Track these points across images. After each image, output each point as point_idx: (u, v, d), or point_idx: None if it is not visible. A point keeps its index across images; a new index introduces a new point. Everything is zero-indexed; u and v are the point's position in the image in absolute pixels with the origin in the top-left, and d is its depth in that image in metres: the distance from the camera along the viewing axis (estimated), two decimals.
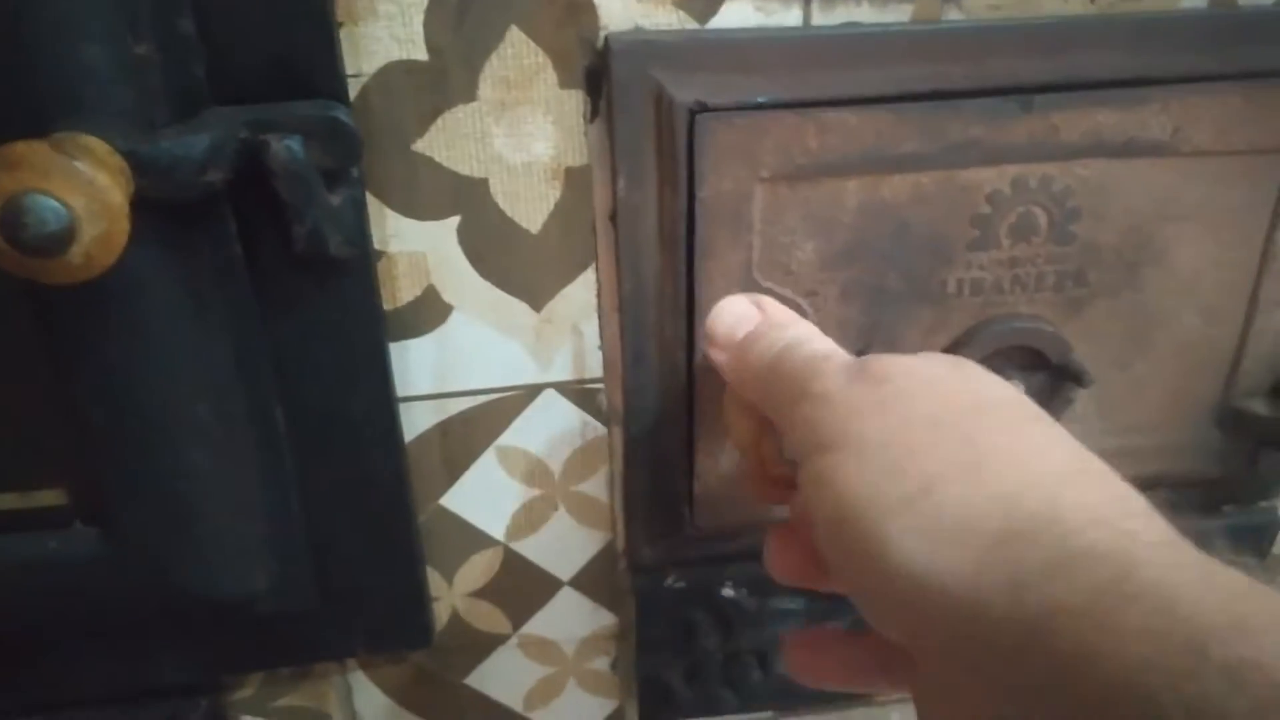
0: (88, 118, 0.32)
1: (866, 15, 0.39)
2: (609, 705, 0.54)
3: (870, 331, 0.43)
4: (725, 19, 0.38)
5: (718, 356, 0.37)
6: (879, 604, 0.27)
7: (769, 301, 0.38)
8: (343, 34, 0.36)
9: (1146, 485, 0.26)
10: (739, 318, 0.37)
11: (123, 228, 0.30)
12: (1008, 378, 0.43)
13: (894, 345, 0.43)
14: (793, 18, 0.38)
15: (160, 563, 0.40)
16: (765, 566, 0.36)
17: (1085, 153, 0.40)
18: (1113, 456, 0.27)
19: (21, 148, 0.29)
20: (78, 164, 0.29)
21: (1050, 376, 0.44)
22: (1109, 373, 0.45)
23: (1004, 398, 0.30)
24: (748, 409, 0.37)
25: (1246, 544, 0.51)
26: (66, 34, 0.31)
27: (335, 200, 0.37)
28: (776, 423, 0.33)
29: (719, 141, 0.38)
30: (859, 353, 0.43)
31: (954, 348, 0.43)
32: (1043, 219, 0.41)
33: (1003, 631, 0.23)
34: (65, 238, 0.28)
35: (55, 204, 0.28)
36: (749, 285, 0.41)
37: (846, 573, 0.28)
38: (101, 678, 0.46)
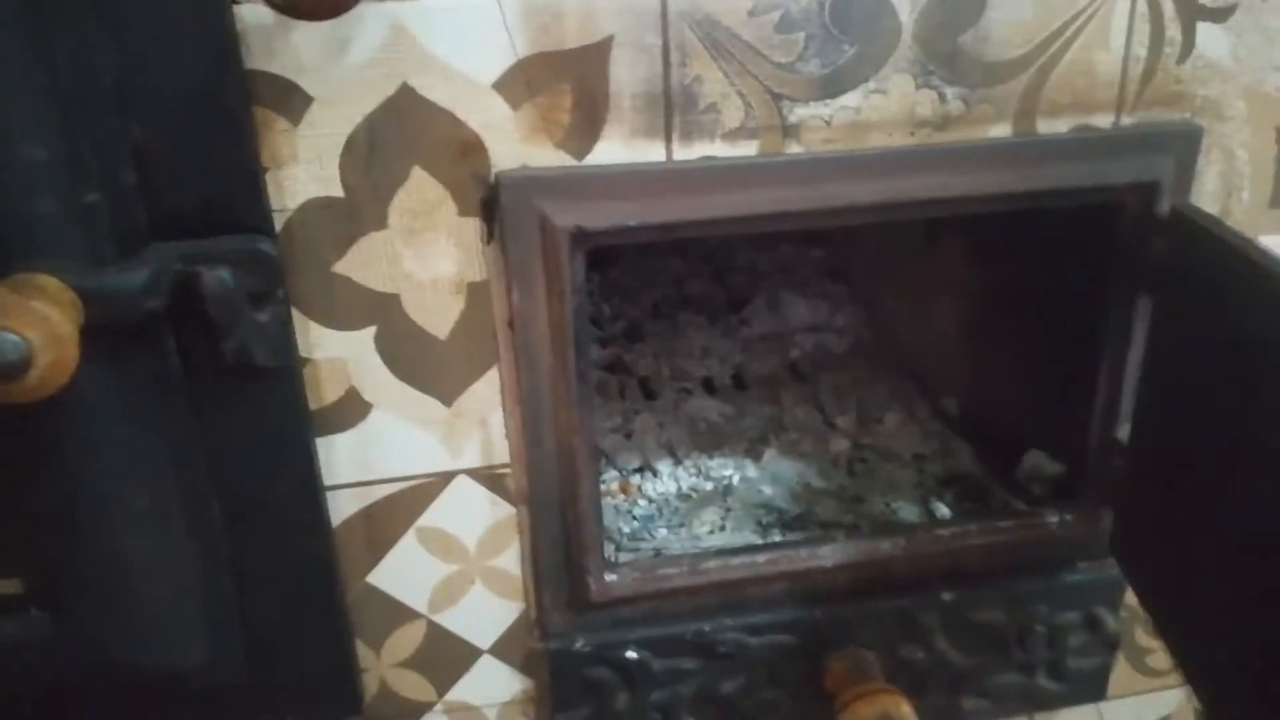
0: (44, 258, 0.37)
1: (720, 150, 0.45)
2: None
3: None
4: (599, 156, 0.45)
5: None
6: None
7: None
8: (268, 176, 0.42)
9: None
10: None
11: (72, 354, 0.35)
12: None
13: None
14: (656, 153, 0.45)
15: (106, 641, 0.45)
16: None
17: None
18: None
19: None
20: (33, 303, 0.34)
21: None
22: None
23: None
24: None
25: (1100, 598, 0.57)
26: (26, 189, 0.37)
27: (263, 318, 0.42)
28: None
29: None
30: None
31: None
32: None
33: None
34: (23, 365, 0.34)
35: (14, 337, 0.33)
36: None
37: None
38: None
